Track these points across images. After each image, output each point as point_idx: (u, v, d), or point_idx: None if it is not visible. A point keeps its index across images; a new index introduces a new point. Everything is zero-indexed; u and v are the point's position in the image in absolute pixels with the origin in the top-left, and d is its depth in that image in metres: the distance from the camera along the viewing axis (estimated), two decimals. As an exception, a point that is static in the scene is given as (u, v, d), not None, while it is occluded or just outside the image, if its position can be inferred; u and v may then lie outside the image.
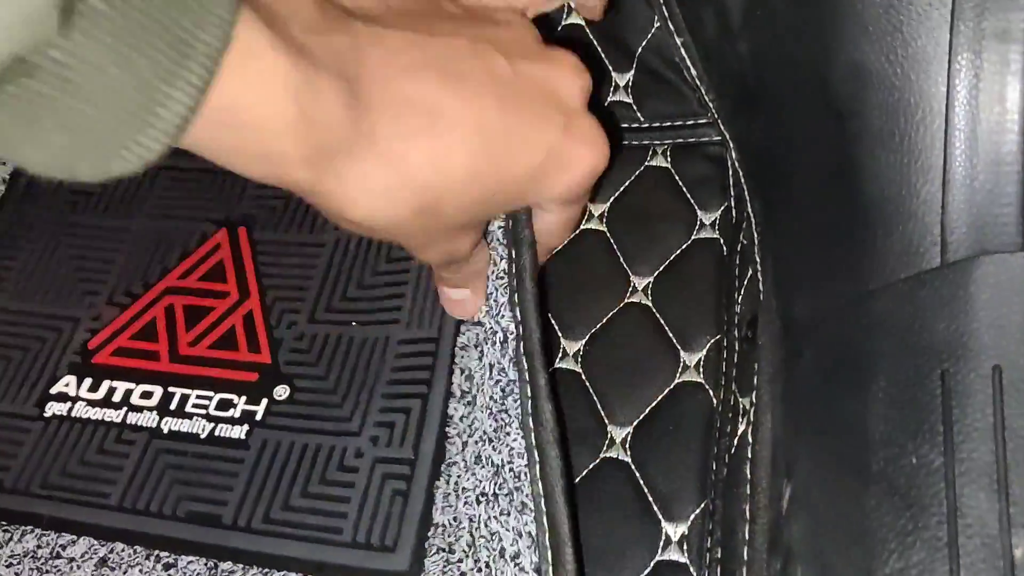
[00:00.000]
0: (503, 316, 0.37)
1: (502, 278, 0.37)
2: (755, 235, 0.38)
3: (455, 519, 0.35)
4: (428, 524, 0.35)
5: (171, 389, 0.42)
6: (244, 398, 0.40)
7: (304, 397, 0.40)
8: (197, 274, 0.45)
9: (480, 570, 0.33)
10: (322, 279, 0.43)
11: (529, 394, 0.33)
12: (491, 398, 0.35)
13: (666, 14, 0.40)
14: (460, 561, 0.34)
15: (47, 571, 0.38)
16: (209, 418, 0.40)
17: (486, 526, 0.34)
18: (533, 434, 0.33)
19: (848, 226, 0.29)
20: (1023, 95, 0.26)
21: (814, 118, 0.30)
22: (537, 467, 0.32)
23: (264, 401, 0.40)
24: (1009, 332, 0.25)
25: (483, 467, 0.35)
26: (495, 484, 0.34)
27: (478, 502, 0.34)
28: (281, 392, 0.40)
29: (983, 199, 0.26)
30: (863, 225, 0.28)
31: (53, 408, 0.42)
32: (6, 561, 0.38)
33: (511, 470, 0.34)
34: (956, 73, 0.27)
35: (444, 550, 0.34)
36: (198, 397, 0.41)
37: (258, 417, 0.40)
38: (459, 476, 0.35)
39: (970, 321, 0.25)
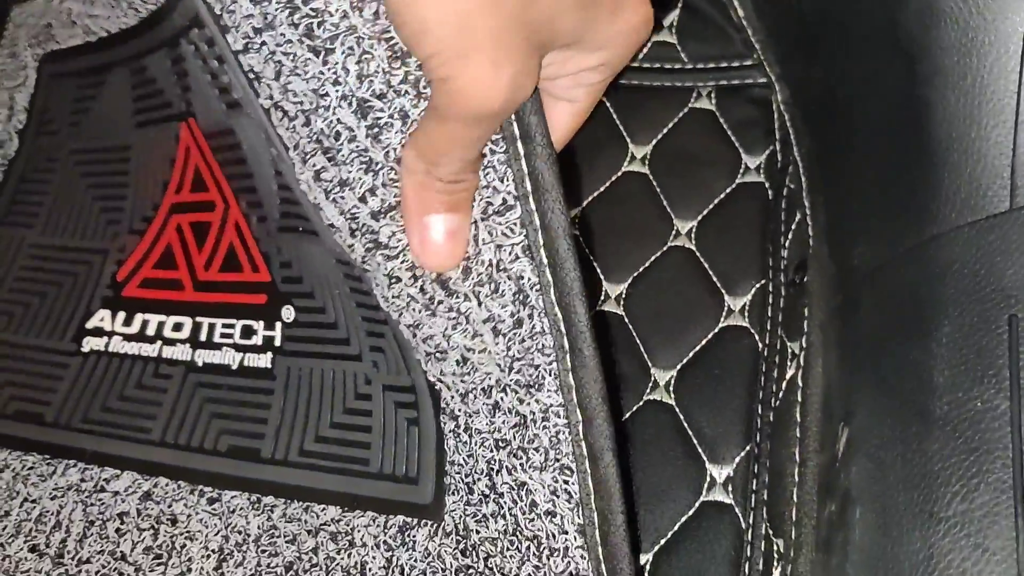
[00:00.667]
0: (514, 258, 0.31)
1: (511, 206, 0.31)
2: (803, 179, 0.38)
3: (471, 456, 0.34)
4: (444, 459, 0.35)
5: (199, 319, 0.41)
6: (262, 323, 0.40)
7: (304, 318, 0.39)
8: (187, 185, 0.43)
9: (504, 516, 0.33)
10: (267, 176, 0.38)
11: (567, 347, 0.30)
12: (509, 354, 0.32)
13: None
14: (480, 503, 0.33)
15: (92, 504, 0.38)
16: (237, 348, 0.40)
17: (510, 473, 0.33)
18: (575, 392, 0.30)
19: (913, 170, 0.28)
20: (1105, 35, 0.25)
21: (881, 60, 0.30)
22: (580, 426, 0.30)
23: (278, 325, 0.39)
24: (1081, 277, 0.24)
25: (503, 414, 0.33)
26: (523, 437, 0.32)
27: (498, 447, 0.33)
28: (288, 314, 0.39)
29: (1057, 141, 0.26)
30: (929, 168, 0.28)
31: (90, 343, 0.42)
32: (50, 493, 0.38)
33: (545, 427, 0.32)
34: (1034, 12, 0.26)
35: (463, 490, 0.34)
36: (224, 326, 0.40)
37: (277, 343, 0.39)
38: (468, 416, 0.34)
39: (1042, 265, 0.25)
